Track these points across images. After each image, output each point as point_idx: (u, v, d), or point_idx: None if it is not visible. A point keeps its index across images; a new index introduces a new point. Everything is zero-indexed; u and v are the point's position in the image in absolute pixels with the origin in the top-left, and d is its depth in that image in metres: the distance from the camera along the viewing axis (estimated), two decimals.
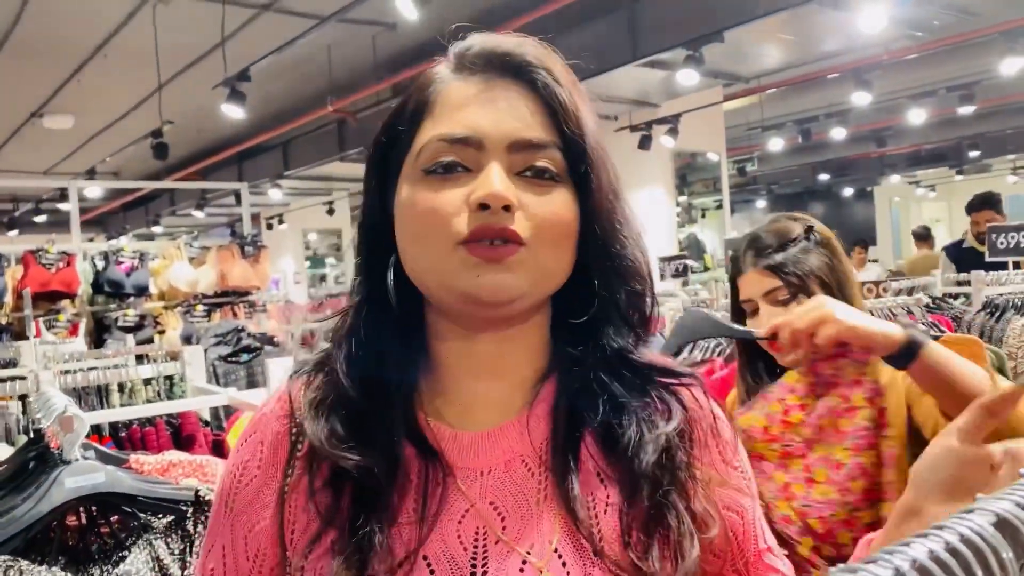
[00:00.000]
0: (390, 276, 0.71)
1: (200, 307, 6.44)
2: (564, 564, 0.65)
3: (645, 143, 8.53)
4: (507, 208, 0.65)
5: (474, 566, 0.65)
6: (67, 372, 2.84)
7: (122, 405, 2.67)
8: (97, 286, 6.61)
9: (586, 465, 0.69)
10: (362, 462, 0.66)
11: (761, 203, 17.80)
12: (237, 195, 8.28)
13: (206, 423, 2.57)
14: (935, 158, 14.42)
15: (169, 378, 2.83)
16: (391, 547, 0.64)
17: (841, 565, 0.33)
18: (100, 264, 6.63)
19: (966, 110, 8.64)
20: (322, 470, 0.68)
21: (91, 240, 12.04)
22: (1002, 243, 3.81)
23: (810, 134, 10.08)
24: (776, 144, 10.72)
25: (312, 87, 7.85)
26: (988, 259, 3.79)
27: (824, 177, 15.95)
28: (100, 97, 8.14)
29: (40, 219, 13.15)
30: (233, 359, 4.70)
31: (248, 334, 4.96)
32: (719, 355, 2.53)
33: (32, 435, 1.42)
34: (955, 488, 0.63)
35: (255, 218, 13.51)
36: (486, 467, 0.69)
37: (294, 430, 0.71)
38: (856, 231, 12.38)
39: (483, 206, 0.65)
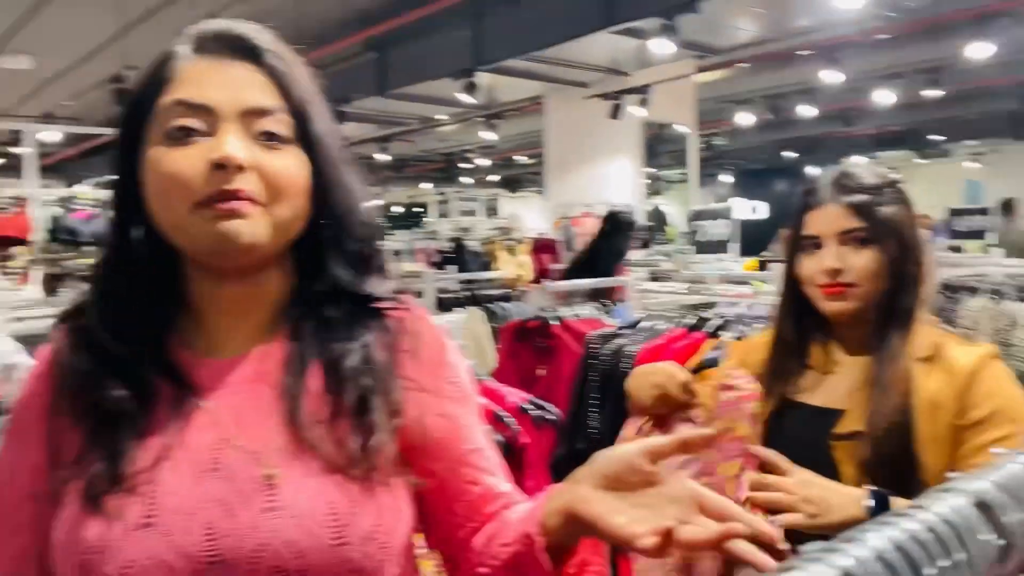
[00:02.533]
0: (136, 230, 0.82)
1: None
2: (289, 462, 0.78)
3: (616, 112, 8.49)
4: (241, 169, 0.76)
5: (214, 465, 0.77)
6: (19, 320, 2.77)
7: None
8: (54, 233, 6.45)
9: (314, 382, 0.82)
10: (108, 394, 0.78)
11: (726, 178, 17.88)
12: None
13: None
14: (897, 140, 14.57)
15: None
16: (141, 455, 0.76)
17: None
18: (58, 211, 6.46)
19: (932, 94, 8.71)
20: (80, 399, 0.79)
21: (46, 187, 11.71)
22: (964, 226, 3.89)
23: (779, 111, 10.09)
24: (745, 119, 10.72)
25: (280, 38, 7.65)
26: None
27: (789, 155, 16.03)
28: (61, 38, 7.86)
29: None
30: None
31: None
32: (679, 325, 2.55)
33: None
34: (612, 482, 0.72)
35: None
36: (231, 387, 0.82)
37: (56, 368, 0.83)
38: None
39: (219, 166, 0.75)
